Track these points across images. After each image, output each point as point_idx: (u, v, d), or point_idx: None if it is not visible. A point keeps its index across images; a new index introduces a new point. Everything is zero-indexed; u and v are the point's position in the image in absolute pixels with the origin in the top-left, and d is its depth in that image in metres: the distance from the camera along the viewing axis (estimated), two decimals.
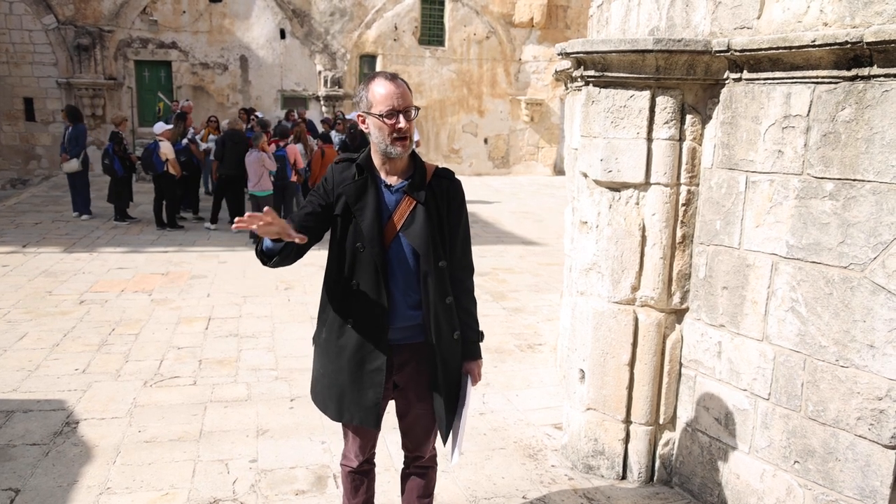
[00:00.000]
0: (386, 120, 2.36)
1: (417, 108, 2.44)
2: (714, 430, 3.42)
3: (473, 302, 2.70)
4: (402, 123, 2.37)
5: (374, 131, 2.41)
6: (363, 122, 2.45)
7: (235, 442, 4.10)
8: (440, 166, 2.64)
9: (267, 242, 2.35)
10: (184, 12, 16.95)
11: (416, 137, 13.03)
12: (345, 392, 2.53)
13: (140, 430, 4.22)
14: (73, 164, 11.03)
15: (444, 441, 2.64)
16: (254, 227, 2.09)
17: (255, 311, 6.79)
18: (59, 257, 8.75)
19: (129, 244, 9.69)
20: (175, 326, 6.21)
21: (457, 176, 2.67)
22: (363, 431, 2.66)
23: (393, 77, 2.40)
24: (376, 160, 2.51)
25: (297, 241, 2.21)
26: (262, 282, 7.89)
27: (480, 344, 2.74)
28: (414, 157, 2.56)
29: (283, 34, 17.69)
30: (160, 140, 10.63)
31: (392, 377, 2.58)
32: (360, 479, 2.81)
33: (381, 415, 2.56)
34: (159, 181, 10.68)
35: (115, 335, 5.92)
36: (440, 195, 2.53)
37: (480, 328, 2.76)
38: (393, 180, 2.50)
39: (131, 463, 3.82)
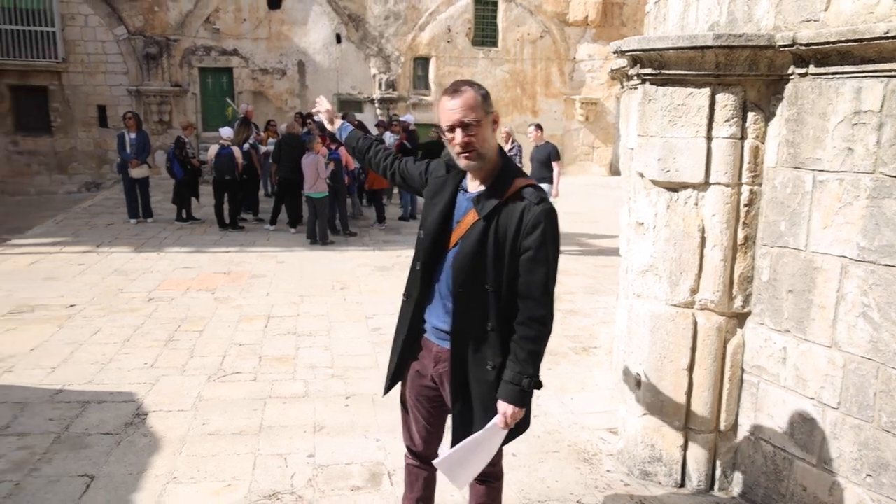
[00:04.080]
0: (448, 135, 2.38)
1: (478, 121, 2.32)
2: (779, 439, 3.31)
3: (529, 340, 2.37)
4: (458, 138, 2.34)
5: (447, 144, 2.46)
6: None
7: (293, 437, 4.19)
8: (531, 186, 2.40)
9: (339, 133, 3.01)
10: (244, 20, 17.42)
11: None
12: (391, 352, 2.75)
13: (204, 422, 4.35)
14: (145, 170, 11.45)
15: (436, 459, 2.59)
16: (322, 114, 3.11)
17: (312, 310, 6.92)
18: (129, 257, 9.11)
19: (193, 244, 10.01)
20: (236, 324, 6.39)
21: None
22: (412, 416, 2.75)
23: (455, 90, 2.35)
24: None
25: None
26: (319, 282, 8.04)
27: (530, 390, 2.40)
28: (506, 168, 2.44)
29: (338, 39, 17.99)
30: (232, 145, 10.98)
31: (429, 371, 2.61)
32: (415, 472, 2.85)
33: (390, 386, 2.75)
34: (226, 184, 11.00)
35: (180, 332, 6.13)
36: (513, 216, 2.34)
37: (536, 375, 2.42)
38: (473, 186, 2.47)
39: (196, 454, 3.95)
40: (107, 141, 16.85)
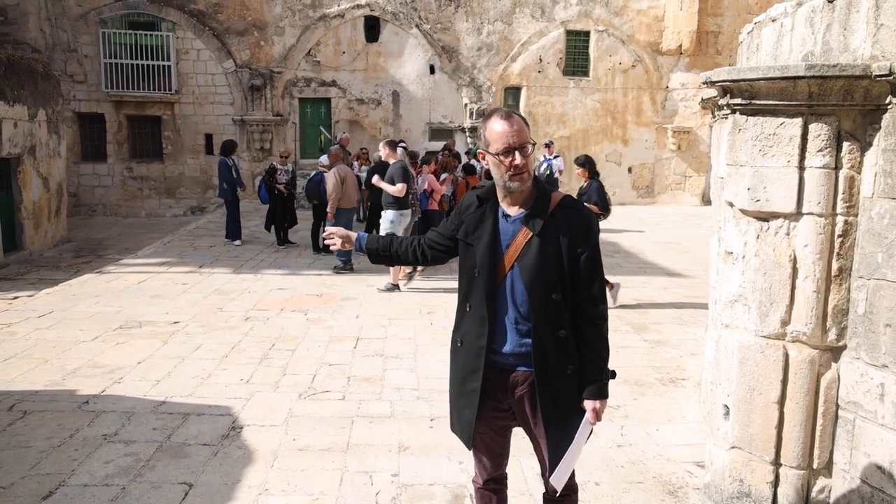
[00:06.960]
0: (502, 158, 2.48)
1: (534, 144, 2.53)
2: (876, 479, 3.16)
3: (600, 336, 2.59)
4: (518, 160, 2.46)
5: (493, 168, 2.55)
6: (483, 158, 2.59)
7: (379, 456, 4.31)
8: (568, 196, 2.63)
9: (358, 246, 2.94)
10: (343, 53, 18.22)
11: (560, 167, 12.34)
12: (454, 406, 2.74)
13: (294, 438, 4.55)
14: (242, 193, 12.14)
15: (549, 475, 2.64)
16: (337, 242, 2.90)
17: (400, 332, 7.09)
18: (228, 277, 9.64)
19: (288, 267, 10.47)
20: (327, 344, 6.64)
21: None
22: (484, 448, 2.77)
23: (508, 115, 2.51)
24: (499, 192, 2.62)
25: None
26: (407, 306, 8.23)
27: (608, 381, 2.61)
28: (537, 186, 2.61)
29: (432, 69, 18.49)
30: (324, 171, 11.42)
31: (505, 400, 2.64)
32: (488, 496, 2.88)
33: (472, 435, 2.66)
34: (319, 209, 11.41)
35: (274, 350, 6.43)
36: (562, 226, 2.52)
37: (610, 367, 2.64)
38: (513, 211, 2.59)
39: (286, 468, 4.13)
40: (212, 167, 17.86)
